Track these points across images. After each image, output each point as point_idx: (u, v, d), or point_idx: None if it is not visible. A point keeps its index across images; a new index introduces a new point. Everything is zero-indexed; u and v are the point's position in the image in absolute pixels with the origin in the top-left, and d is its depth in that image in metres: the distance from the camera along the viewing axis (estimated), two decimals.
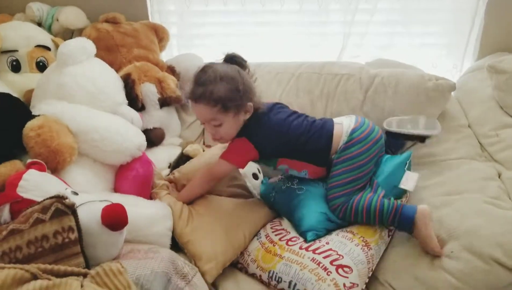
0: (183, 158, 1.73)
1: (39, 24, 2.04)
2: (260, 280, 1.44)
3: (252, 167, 1.81)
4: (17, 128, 1.40)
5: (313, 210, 1.52)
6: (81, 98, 1.57)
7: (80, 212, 1.12)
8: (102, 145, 1.48)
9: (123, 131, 1.55)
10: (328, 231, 1.50)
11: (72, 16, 2.04)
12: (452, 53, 2.29)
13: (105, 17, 2.03)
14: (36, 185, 1.24)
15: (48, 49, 1.86)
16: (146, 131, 1.78)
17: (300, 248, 1.42)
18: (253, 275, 1.46)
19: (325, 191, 1.58)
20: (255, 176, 1.80)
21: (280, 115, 1.57)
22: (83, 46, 1.64)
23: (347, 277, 1.30)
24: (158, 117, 1.89)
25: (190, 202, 1.58)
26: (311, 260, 1.35)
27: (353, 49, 2.28)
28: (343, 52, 2.28)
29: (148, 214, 1.40)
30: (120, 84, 1.76)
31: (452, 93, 1.85)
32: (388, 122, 1.74)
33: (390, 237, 1.48)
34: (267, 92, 1.89)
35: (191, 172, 1.64)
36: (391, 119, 1.75)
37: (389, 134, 1.71)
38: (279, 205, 1.66)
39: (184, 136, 2.04)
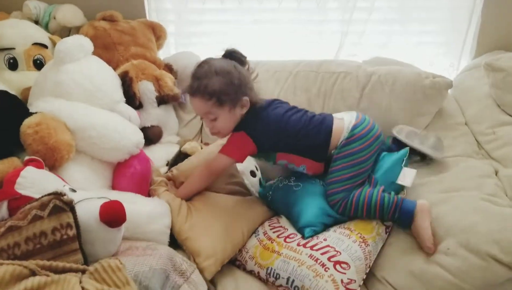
0: (181, 156, 1.74)
1: (36, 22, 2.04)
2: (258, 277, 1.44)
3: (250, 164, 1.81)
4: (14, 126, 1.40)
5: (310, 205, 1.52)
6: (79, 96, 1.57)
7: (78, 209, 1.12)
8: (100, 143, 1.48)
9: (120, 129, 1.54)
10: (326, 226, 1.50)
11: (69, 14, 2.03)
12: (449, 51, 2.30)
13: (102, 15, 2.03)
14: (34, 182, 1.24)
15: (45, 47, 1.86)
16: (143, 129, 1.77)
17: (298, 244, 1.42)
18: (251, 272, 1.47)
19: (322, 187, 1.59)
20: (252, 174, 1.80)
21: (278, 110, 1.58)
22: (81, 43, 1.64)
23: (345, 273, 1.31)
24: (155, 115, 1.89)
25: (188, 199, 1.58)
26: (308, 257, 1.36)
27: (351, 47, 2.28)
28: (341, 50, 2.28)
29: (146, 212, 1.40)
30: (117, 82, 1.76)
31: (449, 91, 1.86)
32: (398, 129, 1.73)
33: (388, 233, 1.49)
34: (265, 90, 1.89)
35: (189, 170, 1.64)
36: (402, 127, 1.75)
37: (395, 140, 1.72)
38: (276, 203, 1.66)
39: (181, 134, 2.04)
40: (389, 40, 2.29)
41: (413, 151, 1.67)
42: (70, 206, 1.10)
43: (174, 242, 1.44)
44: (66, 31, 2.08)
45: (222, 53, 1.55)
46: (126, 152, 1.53)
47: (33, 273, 0.98)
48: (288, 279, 1.34)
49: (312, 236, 1.45)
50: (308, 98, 1.95)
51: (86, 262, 1.12)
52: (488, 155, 1.71)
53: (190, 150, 1.73)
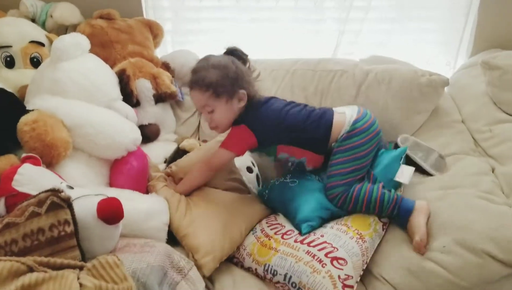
0: (180, 153, 1.73)
1: (33, 20, 2.04)
2: (256, 274, 1.44)
3: (246, 160, 1.81)
4: (11, 123, 1.39)
5: (307, 200, 1.53)
6: (76, 94, 1.57)
7: (76, 205, 1.12)
8: (97, 140, 1.48)
9: (118, 126, 1.55)
10: (323, 220, 1.51)
11: (66, 12, 2.03)
12: (446, 50, 2.31)
13: (99, 13, 2.03)
14: (31, 179, 1.24)
15: (42, 45, 1.86)
16: (141, 127, 1.77)
17: (295, 241, 1.42)
18: (248, 269, 1.47)
19: (318, 182, 1.60)
20: (249, 170, 1.80)
21: (277, 105, 1.60)
22: (78, 41, 1.64)
23: (342, 269, 1.31)
24: (153, 113, 1.90)
25: (187, 195, 1.58)
26: (306, 253, 1.36)
27: (348, 46, 2.29)
28: (338, 49, 2.29)
29: (144, 209, 1.40)
30: (114, 80, 1.76)
31: (446, 89, 1.86)
32: (403, 139, 1.74)
33: (385, 230, 1.49)
34: (262, 88, 1.86)
35: (188, 166, 1.64)
36: (407, 136, 1.75)
37: (396, 147, 1.72)
38: (273, 201, 1.66)
39: (179, 132, 2.04)
40: (385, 38, 2.30)
41: (414, 163, 1.66)
42: (67, 203, 1.10)
43: (173, 239, 1.44)
44: (63, 30, 2.08)
45: (224, 51, 1.59)
46: (123, 149, 1.53)
47: (30, 269, 0.98)
48: (285, 275, 1.34)
49: (309, 232, 1.46)
50: (305, 96, 1.96)
51: (84, 259, 1.12)
52: (484, 152, 1.72)
53: (189, 146, 1.73)
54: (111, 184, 1.55)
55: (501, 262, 1.28)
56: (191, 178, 1.59)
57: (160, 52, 2.24)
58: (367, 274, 1.44)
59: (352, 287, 1.30)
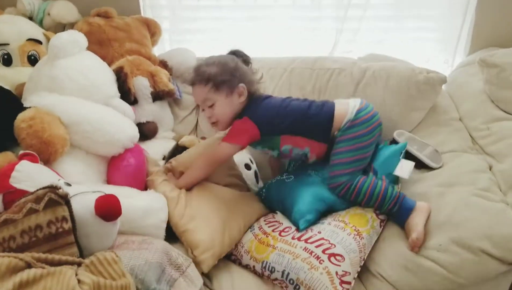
0: (179, 149, 1.73)
1: (30, 19, 2.03)
2: (254, 271, 1.44)
3: (244, 157, 1.82)
4: (8, 120, 1.39)
5: (303, 193, 1.54)
6: (73, 91, 1.56)
7: (74, 202, 1.12)
8: (94, 137, 1.48)
9: (115, 122, 1.55)
10: (319, 213, 1.51)
11: (63, 10, 2.03)
12: (443, 48, 2.30)
13: (96, 11, 2.03)
14: (29, 175, 1.24)
15: (40, 43, 1.86)
16: (139, 125, 1.77)
17: (293, 238, 1.43)
18: (246, 266, 1.47)
19: (315, 177, 1.61)
20: (247, 167, 1.80)
21: (277, 98, 1.64)
22: (75, 39, 1.63)
23: (339, 265, 1.31)
24: (150, 111, 1.90)
25: (188, 189, 1.58)
26: (303, 250, 1.36)
27: (346, 44, 2.29)
28: (336, 47, 2.29)
29: (142, 206, 1.39)
30: (112, 77, 1.76)
31: (444, 87, 1.86)
32: (398, 133, 1.75)
33: (382, 227, 1.49)
34: (260, 87, 1.90)
35: (188, 161, 1.63)
36: (402, 131, 1.76)
37: (393, 142, 1.73)
38: (270, 200, 1.67)
39: (177, 130, 2.04)
40: (383, 37, 2.30)
41: (410, 158, 1.67)
42: (65, 200, 1.09)
43: (172, 235, 1.44)
44: (60, 28, 2.08)
45: (227, 52, 1.65)
46: (120, 145, 1.53)
47: (28, 266, 0.98)
48: (283, 272, 1.34)
49: (307, 228, 1.46)
50: (303, 95, 1.95)
51: (82, 255, 1.12)
52: (482, 150, 1.71)
53: (188, 143, 1.73)
54: (109, 181, 1.55)
55: (498, 259, 1.28)
56: (193, 172, 1.58)
57: (157, 51, 2.24)
58: (364, 271, 1.44)
59: (349, 283, 1.31)
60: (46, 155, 1.38)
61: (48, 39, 1.84)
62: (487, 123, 1.74)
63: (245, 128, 1.55)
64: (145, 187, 1.56)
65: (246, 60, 1.65)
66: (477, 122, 1.78)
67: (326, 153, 1.60)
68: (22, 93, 1.62)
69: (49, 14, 2.02)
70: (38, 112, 1.41)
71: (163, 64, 2.04)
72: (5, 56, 1.76)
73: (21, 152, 1.34)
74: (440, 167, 1.64)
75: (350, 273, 1.31)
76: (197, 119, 2.07)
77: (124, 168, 1.52)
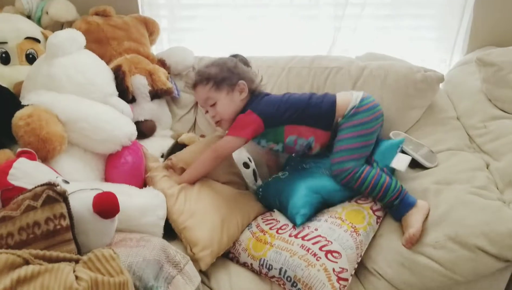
0: (178, 146, 1.73)
1: (29, 17, 2.04)
2: (252, 269, 1.45)
3: (242, 156, 1.82)
4: (6, 118, 1.40)
5: (296, 188, 1.55)
6: (71, 89, 1.57)
7: (72, 200, 1.12)
8: (92, 134, 1.48)
9: (113, 120, 1.55)
10: (314, 206, 1.51)
11: (61, 9, 2.03)
12: (441, 47, 2.31)
13: (95, 10, 2.03)
14: (27, 173, 1.24)
15: (38, 41, 1.86)
16: (137, 123, 1.77)
17: (290, 235, 1.43)
18: (244, 264, 1.47)
19: (312, 169, 1.63)
20: (246, 165, 1.81)
21: (277, 95, 1.68)
22: (73, 37, 1.64)
23: (336, 262, 1.32)
24: (149, 109, 1.90)
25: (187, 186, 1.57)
26: (300, 247, 1.36)
27: (344, 43, 2.29)
28: (334, 46, 2.29)
29: (140, 204, 1.40)
30: (110, 76, 1.76)
31: (441, 86, 1.87)
32: (395, 134, 1.76)
33: (379, 224, 1.49)
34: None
35: (189, 157, 1.62)
36: (399, 132, 1.78)
37: None
38: (267, 198, 1.68)
39: (175, 129, 2.04)
40: (381, 36, 2.30)
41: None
42: (63, 197, 1.09)
43: (169, 232, 1.45)
44: (58, 26, 2.08)
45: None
46: (118, 143, 1.53)
47: (26, 262, 0.98)
48: (280, 269, 1.35)
49: (304, 223, 1.46)
50: None
51: (80, 253, 1.12)
52: (479, 148, 1.72)
53: (188, 140, 1.73)
54: (106, 179, 1.55)
55: (494, 256, 1.29)
56: (198, 166, 1.58)
57: (156, 50, 2.25)
58: (362, 269, 1.45)
59: (346, 280, 1.31)
60: (44, 153, 1.38)
61: (46, 38, 1.83)
62: (484, 121, 1.75)
63: (249, 121, 1.57)
64: (144, 184, 1.57)
65: (245, 62, 1.69)
66: (474, 120, 1.78)
67: (329, 142, 1.63)
68: (20, 92, 1.63)
69: (47, 13, 2.02)
70: (36, 110, 1.41)
71: (161, 63, 2.04)
72: (3, 55, 1.76)
73: (19, 149, 1.34)
74: (435, 167, 1.64)
75: (347, 270, 1.32)
76: (195, 118, 2.07)
77: (121, 165, 1.52)
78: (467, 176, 1.52)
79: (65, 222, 1.08)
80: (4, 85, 1.60)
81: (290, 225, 1.50)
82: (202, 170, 1.59)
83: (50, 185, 1.09)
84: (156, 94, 1.90)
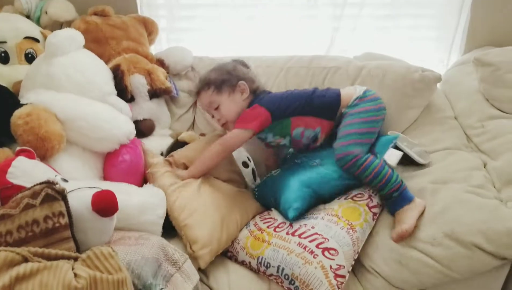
0: (178, 144, 1.74)
1: (28, 17, 2.03)
2: (250, 267, 1.46)
3: (241, 155, 1.82)
4: (5, 117, 1.40)
5: (288, 183, 1.56)
6: (70, 88, 1.57)
7: (70, 198, 1.13)
8: (91, 133, 1.49)
9: (111, 119, 1.56)
10: (306, 200, 1.52)
11: (61, 9, 2.03)
12: (439, 47, 2.31)
13: (94, 9, 2.03)
14: (26, 171, 1.24)
15: (37, 41, 1.86)
16: (136, 123, 1.77)
17: (287, 233, 1.44)
18: (242, 263, 1.48)
19: (304, 162, 1.64)
20: (245, 165, 1.81)
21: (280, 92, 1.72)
22: (72, 36, 1.64)
23: (333, 259, 1.32)
24: (147, 108, 1.89)
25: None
26: (297, 245, 1.37)
27: (342, 43, 2.29)
28: (332, 46, 2.30)
29: (139, 203, 1.40)
30: (109, 75, 1.76)
31: (439, 86, 1.87)
32: (390, 132, 1.76)
33: (375, 221, 1.50)
34: None
35: (190, 154, 1.63)
36: (395, 132, 1.77)
37: None
38: (262, 197, 1.69)
39: (173, 128, 2.04)
40: (379, 36, 2.30)
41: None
42: (62, 195, 1.10)
43: (169, 229, 1.45)
44: (57, 26, 2.07)
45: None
46: (116, 141, 1.53)
47: (25, 260, 0.98)
48: (278, 267, 1.35)
49: (296, 217, 1.48)
50: None
51: (79, 251, 1.13)
52: (477, 148, 1.72)
53: (188, 138, 1.73)
54: (105, 177, 1.55)
55: (491, 254, 1.30)
56: (205, 159, 1.58)
57: (154, 49, 2.24)
58: (359, 267, 1.45)
59: (344, 277, 1.32)
60: (42, 151, 1.39)
61: (45, 37, 1.83)
62: (482, 121, 1.75)
63: (256, 114, 1.58)
64: (144, 181, 1.57)
65: (244, 65, 1.72)
66: (471, 120, 1.79)
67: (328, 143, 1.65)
68: (19, 91, 1.63)
69: (46, 13, 2.02)
70: (35, 109, 1.42)
71: (160, 63, 2.04)
72: (2, 54, 1.77)
73: (18, 148, 1.35)
74: (427, 163, 1.65)
75: (344, 267, 1.33)
76: (194, 117, 2.07)
77: (119, 164, 1.52)
78: (464, 175, 1.53)
79: (64, 220, 1.09)
80: (3, 84, 1.60)
81: (287, 223, 1.50)
82: (210, 164, 1.59)
83: (49, 184, 1.10)
84: (155, 93, 1.90)
